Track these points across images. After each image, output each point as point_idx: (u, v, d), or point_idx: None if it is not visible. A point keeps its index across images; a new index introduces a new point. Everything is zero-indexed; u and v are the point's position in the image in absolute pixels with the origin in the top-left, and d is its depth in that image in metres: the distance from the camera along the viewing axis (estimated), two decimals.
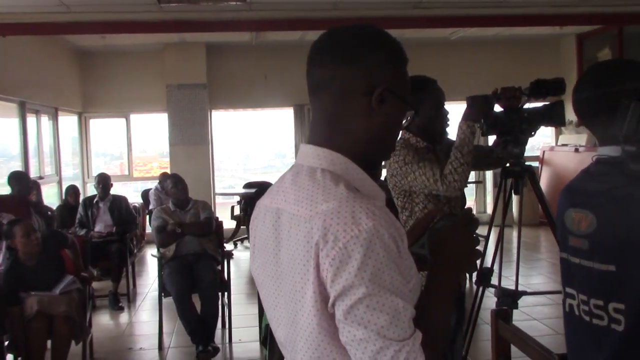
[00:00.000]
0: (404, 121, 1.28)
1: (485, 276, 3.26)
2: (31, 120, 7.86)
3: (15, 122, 7.52)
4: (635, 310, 1.48)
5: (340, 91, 1.20)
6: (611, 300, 1.51)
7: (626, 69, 1.62)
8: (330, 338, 1.11)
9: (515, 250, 3.42)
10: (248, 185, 9.55)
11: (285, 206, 1.19)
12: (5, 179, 7.60)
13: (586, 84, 1.65)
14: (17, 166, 7.45)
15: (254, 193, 8.52)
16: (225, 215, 8.75)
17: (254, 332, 5.15)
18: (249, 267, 1.36)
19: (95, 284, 6.17)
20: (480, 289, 3.34)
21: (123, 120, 10.10)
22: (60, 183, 8.66)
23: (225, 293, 5.19)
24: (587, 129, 1.71)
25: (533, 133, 2.98)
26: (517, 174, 3.17)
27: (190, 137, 9.53)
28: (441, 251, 1.25)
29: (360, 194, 1.14)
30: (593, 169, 1.65)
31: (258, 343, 5.01)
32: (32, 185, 6.37)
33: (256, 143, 14.79)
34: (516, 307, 3.08)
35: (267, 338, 3.27)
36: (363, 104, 1.19)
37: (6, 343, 4.19)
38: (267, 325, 3.29)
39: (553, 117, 2.88)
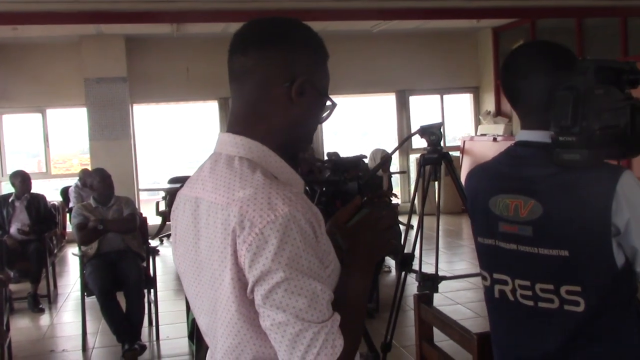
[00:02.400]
0: (323, 115, 1.29)
1: (406, 262, 3.35)
2: None
3: None
4: (595, 290, 1.53)
5: (260, 81, 1.20)
6: (563, 283, 1.55)
7: (558, 53, 1.64)
8: (249, 324, 1.13)
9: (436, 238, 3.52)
10: (173, 180, 9.38)
11: (203, 195, 1.19)
12: None
13: (516, 68, 1.65)
14: None
15: (179, 188, 8.37)
16: (150, 211, 8.56)
17: (182, 328, 5.08)
18: (173, 258, 1.35)
19: (13, 286, 5.93)
20: (403, 274, 3.42)
21: (39, 115, 9.71)
22: None
23: (152, 290, 5.10)
24: (514, 110, 1.71)
25: None
26: (434, 161, 3.27)
27: (111, 132, 9.27)
28: (355, 243, 1.26)
29: (277, 181, 1.15)
30: (516, 153, 1.66)
31: (186, 339, 4.95)
32: None
33: (181, 137, 14.55)
34: (436, 291, 3.19)
35: (193, 332, 3.24)
36: (282, 94, 1.20)
37: None
38: (194, 320, 3.26)
39: (348, 189, 3.05)
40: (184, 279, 1.30)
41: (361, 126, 14.13)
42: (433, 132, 3.13)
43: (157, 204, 9.29)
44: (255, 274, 1.07)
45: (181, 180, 9.03)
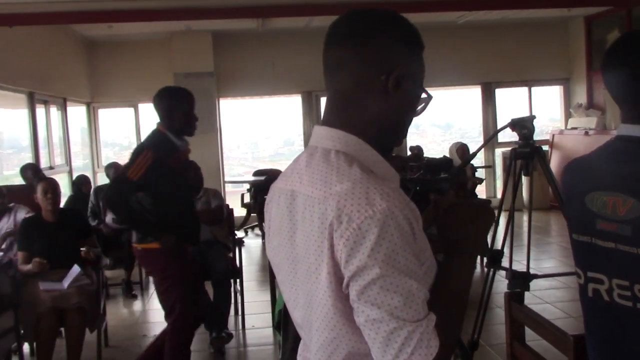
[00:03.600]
0: (419, 107, 1.28)
1: (495, 258, 3.27)
2: (40, 111, 7.89)
3: (24, 113, 7.55)
4: None
5: (356, 73, 1.20)
6: None
7: None
8: (345, 319, 1.12)
9: (525, 234, 3.42)
10: (258, 173, 9.56)
11: (299, 188, 1.20)
12: (16, 170, 7.67)
13: (620, 57, 1.56)
14: (28, 157, 7.49)
15: (264, 180, 8.53)
16: (235, 203, 8.77)
17: (267, 318, 5.19)
18: (266, 250, 1.37)
19: (108, 273, 6.21)
20: (491, 271, 3.35)
21: (131, 109, 10.13)
22: (70, 173, 8.69)
23: (238, 280, 5.21)
24: (616, 103, 1.60)
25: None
26: (526, 155, 3.16)
27: (199, 125, 9.44)
28: (459, 232, 1.25)
29: (375, 176, 1.14)
30: (616, 148, 1.58)
31: (271, 329, 5.05)
32: (44, 177, 6.41)
33: (264, 131, 14.79)
34: (528, 289, 3.09)
35: (280, 323, 3.30)
36: (379, 87, 1.19)
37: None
38: (280, 311, 3.32)
39: (440, 188, 2.94)
40: (278, 272, 1.31)
41: (444, 119, 13.91)
42: (525, 126, 3.03)
43: (242, 196, 9.49)
44: (351, 269, 1.06)
45: (265, 173, 9.19)
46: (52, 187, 4.47)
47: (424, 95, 1.26)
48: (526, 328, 2.31)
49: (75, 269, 4.27)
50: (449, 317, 1.13)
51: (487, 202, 1.52)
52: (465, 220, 1.26)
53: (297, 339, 3.33)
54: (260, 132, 14.79)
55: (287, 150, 14.65)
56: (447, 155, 7.53)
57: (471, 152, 7.30)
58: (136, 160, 3.50)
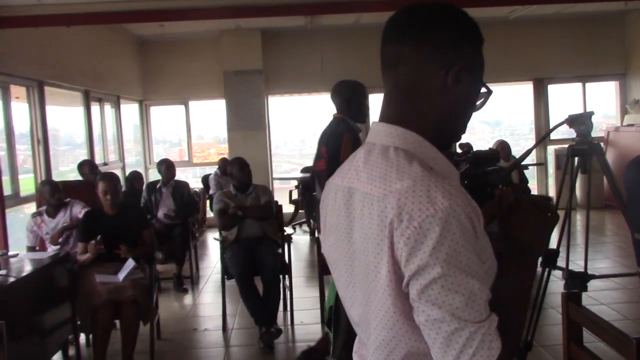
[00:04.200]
0: (478, 102, 1.25)
1: (551, 258, 3.20)
2: (95, 108, 8.10)
3: (80, 110, 7.76)
4: None
5: (415, 69, 1.18)
6: None
7: None
8: (405, 318, 1.10)
9: (579, 233, 3.33)
10: (306, 170, 9.58)
11: (357, 185, 1.19)
12: (71, 167, 7.89)
13: None
14: (82, 154, 7.70)
15: (312, 177, 8.54)
16: (282, 200, 8.83)
17: (315, 315, 5.20)
18: (321, 248, 1.36)
19: (159, 267, 6.33)
20: (546, 271, 3.28)
21: (182, 107, 10.30)
22: (123, 169, 8.90)
23: (287, 276, 5.24)
24: None
25: None
26: (584, 153, 3.08)
27: (248, 122, 9.65)
28: (524, 231, 1.22)
29: (435, 173, 1.12)
30: None
31: (319, 325, 5.06)
32: (100, 173, 6.59)
33: (311, 128, 14.81)
34: (585, 290, 3.02)
35: (331, 320, 3.31)
36: (438, 82, 1.17)
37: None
38: (331, 307, 3.32)
39: (489, 181, 2.85)
40: (334, 269, 1.30)
41: (493, 116, 13.68)
42: (583, 122, 2.95)
43: (290, 192, 9.54)
44: (411, 268, 1.05)
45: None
46: (112, 188, 4.62)
47: (483, 89, 1.24)
48: (583, 329, 2.25)
49: (130, 263, 4.37)
50: (511, 318, 1.11)
51: (548, 198, 1.48)
52: (530, 218, 1.23)
53: (348, 336, 3.35)
54: (307, 129, 14.81)
55: None
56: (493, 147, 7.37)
57: (523, 149, 7.16)
58: (341, 146, 3.66)
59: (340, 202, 1.24)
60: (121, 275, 4.32)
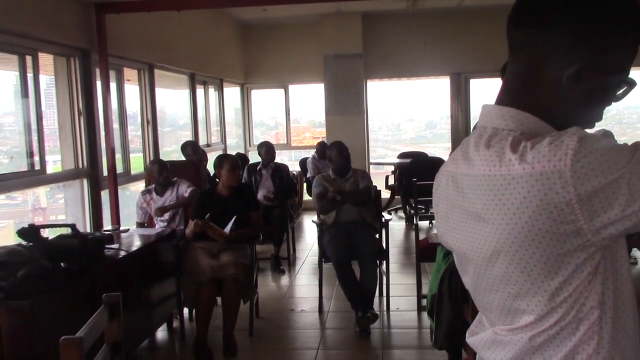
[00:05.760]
0: (619, 92, 1.15)
1: None
2: (199, 91, 8.37)
3: (185, 93, 8.04)
4: None
5: (533, 58, 1.10)
6: None
7: None
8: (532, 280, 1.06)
9: None
10: (403, 155, 9.52)
11: (471, 170, 1.13)
12: (173, 147, 8.21)
13: None
14: (185, 135, 7.98)
15: (409, 163, 8.47)
16: (379, 184, 8.82)
17: (411, 302, 5.17)
18: (438, 235, 1.33)
19: (258, 247, 6.48)
20: None
21: (282, 90, 10.45)
22: (225, 151, 9.15)
23: (384, 262, 5.22)
24: None
25: None
26: None
27: (346, 107, 9.66)
28: None
29: None
30: None
31: (415, 313, 5.02)
32: (203, 153, 6.82)
33: (407, 113, 14.64)
34: None
35: (433, 309, 3.27)
36: (554, 77, 1.08)
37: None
38: (434, 296, 3.27)
39: None
40: (455, 254, 1.28)
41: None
42: None
43: (387, 178, 9.50)
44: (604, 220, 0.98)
45: (411, 156, 9.12)
46: (239, 164, 4.86)
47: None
48: None
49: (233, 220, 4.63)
50: None
51: None
52: None
53: (450, 325, 3.28)
54: (402, 114, 14.65)
55: (430, 134, 14.42)
56: None
57: (632, 138, 6.75)
58: None
59: (452, 189, 1.19)
60: (227, 228, 4.57)
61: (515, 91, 1.14)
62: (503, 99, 1.15)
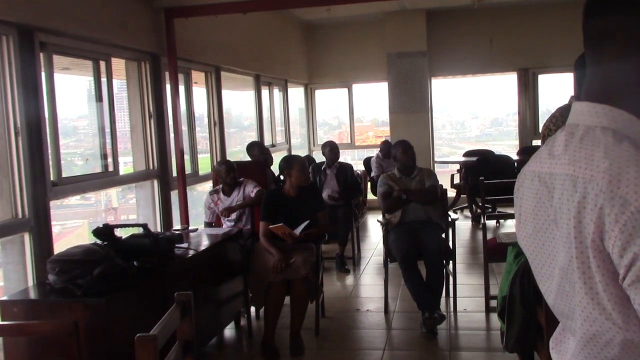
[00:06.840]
0: None
1: None
2: (264, 92, 8.47)
3: (250, 94, 8.15)
4: None
5: (621, 47, 1.05)
6: None
7: None
8: (615, 304, 1.01)
9: None
10: (469, 154, 9.36)
11: (558, 169, 1.09)
12: (238, 148, 8.32)
13: None
14: (250, 135, 8.08)
15: (476, 161, 8.32)
16: (445, 183, 8.70)
17: (479, 303, 5.08)
18: (518, 238, 1.30)
19: (323, 247, 6.50)
20: None
21: (345, 90, 10.45)
22: (289, 151, 9.23)
23: (450, 262, 5.14)
24: None
25: None
26: None
27: (410, 105, 9.58)
28: None
29: None
30: None
31: (483, 314, 4.93)
32: (268, 154, 6.89)
33: (471, 111, 14.37)
34: None
35: (504, 311, 3.19)
36: None
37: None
38: (504, 298, 3.19)
39: None
40: (533, 260, 1.23)
41: None
42: None
43: (452, 176, 9.37)
44: (628, 257, 0.95)
45: (477, 154, 8.96)
46: (306, 164, 4.97)
47: None
48: None
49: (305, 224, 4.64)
50: None
51: None
52: None
53: (523, 327, 3.20)
54: (466, 111, 14.38)
55: (495, 131, 14.11)
56: None
57: None
58: None
59: (536, 189, 1.15)
60: (298, 230, 4.58)
61: (604, 87, 1.09)
62: (591, 95, 1.10)
